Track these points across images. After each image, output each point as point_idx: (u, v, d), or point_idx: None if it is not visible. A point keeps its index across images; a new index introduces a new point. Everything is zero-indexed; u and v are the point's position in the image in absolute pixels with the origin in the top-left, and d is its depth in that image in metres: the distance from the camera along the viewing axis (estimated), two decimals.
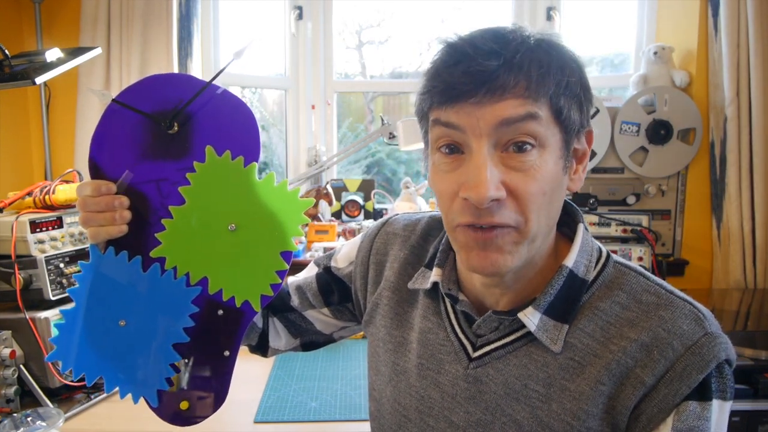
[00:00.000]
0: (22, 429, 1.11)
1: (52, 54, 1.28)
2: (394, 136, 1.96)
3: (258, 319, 0.84)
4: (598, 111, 1.81)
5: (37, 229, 1.27)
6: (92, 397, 1.29)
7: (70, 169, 1.51)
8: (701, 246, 1.93)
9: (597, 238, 1.09)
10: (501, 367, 0.63)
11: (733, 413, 0.79)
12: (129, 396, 0.71)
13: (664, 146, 1.85)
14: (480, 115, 0.54)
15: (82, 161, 1.78)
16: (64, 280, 1.30)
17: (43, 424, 1.12)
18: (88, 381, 0.71)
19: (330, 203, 2.07)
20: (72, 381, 1.26)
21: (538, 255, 0.62)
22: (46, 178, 1.86)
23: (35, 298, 1.26)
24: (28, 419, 1.13)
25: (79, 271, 0.70)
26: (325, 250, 1.75)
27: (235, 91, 1.43)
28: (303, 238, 1.87)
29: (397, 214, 0.84)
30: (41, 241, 1.28)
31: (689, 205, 1.92)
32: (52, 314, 1.26)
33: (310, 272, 0.87)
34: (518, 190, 0.55)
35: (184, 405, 0.73)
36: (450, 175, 0.58)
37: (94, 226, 0.68)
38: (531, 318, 0.61)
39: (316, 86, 2.20)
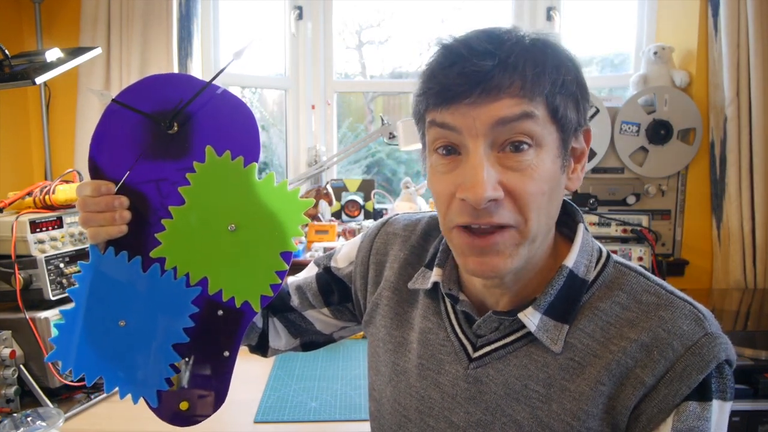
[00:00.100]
0: (22, 429, 1.11)
1: (52, 54, 1.28)
2: (394, 136, 1.96)
3: (258, 319, 0.84)
4: (598, 111, 1.81)
5: (37, 229, 1.27)
6: (92, 397, 1.29)
7: (70, 169, 1.51)
8: (701, 246, 1.93)
9: (597, 238, 1.09)
10: (501, 367, 0.63)
11: (733, 413, 0.79)
12: (129, 396, 0.71)
13: (664, 146, 1.85)
14: (476, 116, 0.54)
15: (82, 161, 1.78)
16: (64, 280, 1.30)
17: (43, 424, 1.12)
18: (88, 381, 0.71)
19: (330, 203, 2.07)
20: (72, 381, 1.26)
21: (538, 255, 0.62)
22: (46, 178, 1.86)
23: (35, 298, 1.26)
24: (28, 419, 1.13)
25: (79, 271, 0.70)
26: (325, 250, 1.75)
27: (235, 91, 1.43)
28: (303, 239, 1.87)
29: (397, 214, 0.84)
30: (41, 241, 1.28)
31: (689, 205, 1.92)
32: (52, 314, 1.26)
33: (310, 272, 0.87)
34: (516, 190, 0.55)
35: (184, 405, 0.73)
36: (447, 177, 0.58)
37: (93, 226, 0.68)
38: (531, 318, 0.61)
39: (316, 86, 2.20)
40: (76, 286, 0.70)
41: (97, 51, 1.37)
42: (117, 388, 0.71)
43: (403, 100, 2.43)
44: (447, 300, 0.69)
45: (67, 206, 1.37)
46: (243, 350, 0.78)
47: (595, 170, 1.88)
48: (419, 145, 0.67)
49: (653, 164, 1.87)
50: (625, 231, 1.79)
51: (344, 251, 0.85)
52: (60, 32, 1.83)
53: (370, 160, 2.61)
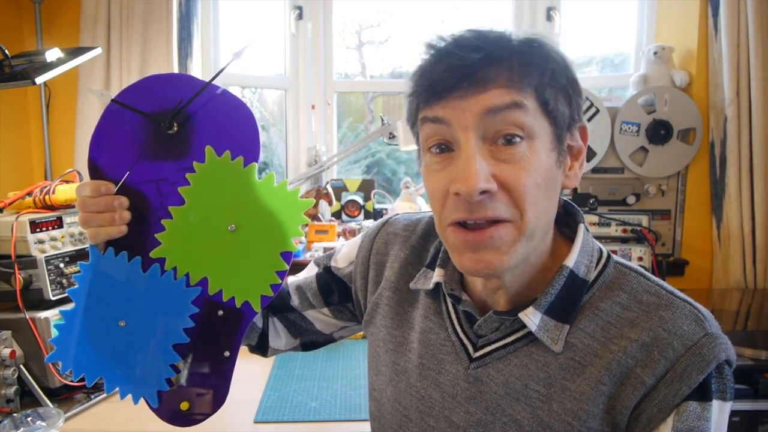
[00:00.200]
0: (22, 429, 1.11)
1: (52, 54, 1.28)
2: (394, 136, 1.97)
3: (258, 319, 0.84)
4: (598, 111, 1.81)
5: (37, 229, 1.27)
6: (92, 397, 1.29)
7: (70, 169, 1.51)
8: (701, 246, 1.93)
9: (597, 238, 1.09)
10: (502, 367, 0.63)
11: (733, 413, 0.79)
12: (129, 396, 0.71)
13: (664, 146, 1.85)
14: (465, 107, 0.55)
15: (82, 161, 1.77)
16: (64, 280, 1.30)
17: (43, 424, 1.12)
18: (88, 381, 0.71)
19: (330, 203, 2.07)
20: (72, 381, 1.26)
21: (538, 255, 0.62)
22: (46, 178, 1.86)
23: (35, 298, 1.26)
24: (28, 419, 1.13)
25: (78, 272, 0.70)
26: (325, 250, 1.75)
27: (235, 91, 1.43)
28: (303, 238, 1.87)
29: (397, 214, 0.84)
30: (41, 241, 1.28)
31: (689, 205, 1.92)
32: (52, 314, 1.26)
33: (310, 272, 0.87)
34: (510, 182, 0.55)
35: (184, 405, 0.72)
36: (441, 173, 0.58)
37: (93, 226, 0.68)
38: (532, 318, 0.61)
39: (316, 86, 2.20)
40: (76, 286, 0.70)
41: (97, 51, 1.37)
42: (117, 389, 0.71)
43: (403, 100, 2.42)
44: (448, 300, 0.69)
45: (67, 206, 1.37)
46: (243, 350, 0.78)
47: (595, 170, 1.88)
48: None
49: (653, 164, 1.87)
50: (625, 231, 1.79)
51: (344, 251, 0.85)
52: (60, 32, 1.83)
53: (370, 160, 2.61)
